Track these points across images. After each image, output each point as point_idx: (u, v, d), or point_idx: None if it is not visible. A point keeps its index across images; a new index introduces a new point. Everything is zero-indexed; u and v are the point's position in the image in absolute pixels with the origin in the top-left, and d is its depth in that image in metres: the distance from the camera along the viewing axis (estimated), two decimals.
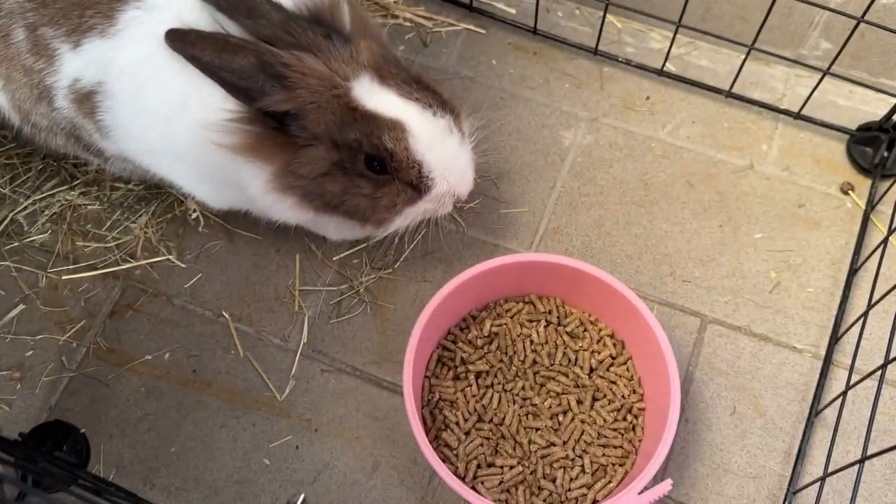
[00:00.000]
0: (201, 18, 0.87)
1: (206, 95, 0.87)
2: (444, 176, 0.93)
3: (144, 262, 1.13)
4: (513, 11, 1.31)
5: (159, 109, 0.91)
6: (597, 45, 1.24)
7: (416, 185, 0.93)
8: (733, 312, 1.10)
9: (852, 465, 0.84)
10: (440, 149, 0.91)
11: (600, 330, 1.06)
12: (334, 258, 1.14)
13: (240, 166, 0.91)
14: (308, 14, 0.90)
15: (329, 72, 0.86)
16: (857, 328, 1.03)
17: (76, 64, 0.92)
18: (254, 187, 0.93)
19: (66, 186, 1.18)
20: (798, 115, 1.19)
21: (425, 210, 0.97)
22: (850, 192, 1.16)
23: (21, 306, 1.12)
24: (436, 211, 0.98)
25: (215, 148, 0.89)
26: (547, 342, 1.05)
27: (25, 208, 1.17)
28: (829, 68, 1.10)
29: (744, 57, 1.15)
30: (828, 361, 1.05)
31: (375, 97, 0.87)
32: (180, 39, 0.84)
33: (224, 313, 1.10)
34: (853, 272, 1.10)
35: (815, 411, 1.02)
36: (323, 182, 0.92)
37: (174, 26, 0.85)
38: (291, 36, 0.86)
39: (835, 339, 1.06)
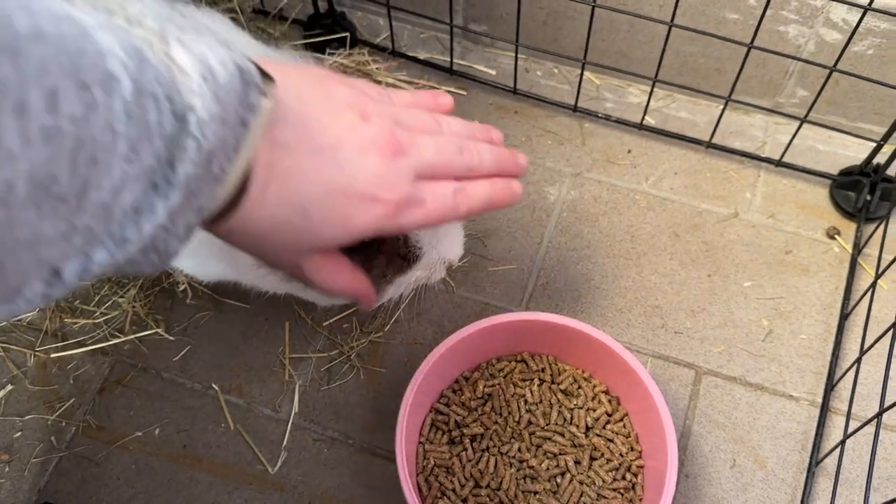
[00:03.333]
0: None
1: None
2: (431, 243, 0.93)
3: (133, 336, 1.13)
4: (493, 73, 1.34)
5: None
6: (576, 102, 1.26)
7: (405, 255, 0.93)
8: (727, 363, 1.09)
9: None
10: None
11: (594, 387, 1.05)
12: (324, 324, 1.13)
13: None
14: None
15: None
16: (852, 373, 1.02)
17: None
18: (246, 260, 0.93)
19: None
20: (779, 163, 1.20)
21: (417, 278, 0.97)
22: (836, 236, 1.17)
23: (9, 387, 1.10)
24: (428, 278, 0.98)
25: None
26: (541, 401, 1.04)
27: None
28: (805, 117, 1.11)
29: (722, 108, 1.17)
30: (825, 409, 1.04)
31: None
32: None
33: (214, 385, 1.09)
34: (844, 317, 1.10)
35: (815, 461, 1.00)
36: None
37: None
38: None
39: (830, 385, 1.05)
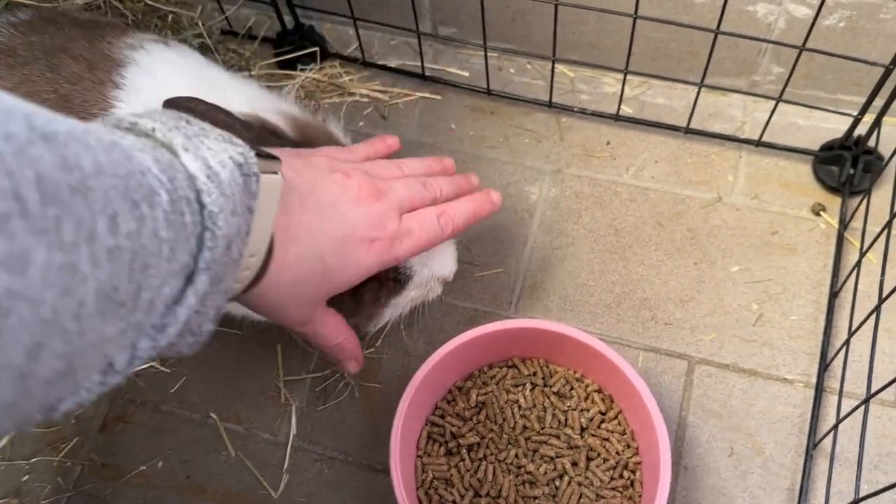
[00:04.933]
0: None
1: None
2: (421, 262, 0.94)
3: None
4: (466, 74, 1.33)
5: None
6: (550, 97, 1.25)
7: (395, 277, 0.93)
8: (719, 350, 1.09)
9: None
10: None
11: (587, 386, 1.05)
12: None
13: None
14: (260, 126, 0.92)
15: None
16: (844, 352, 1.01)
17: None
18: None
19: None
20: (760, 143, 1.19)
21: (413, 298, 0.98)
22: (821, 212, 1.16)
23: (13, 431, 1.12)
24: (425, 296, 0.99)
25: None
26: (535, 405, 1.04)
27: None
28: (780, 95, 1.10)
29: (696, 93, 1.16)
30: (819, 390, 1.03)
31: None
32: None
33: (212, 414, 1.10)
34: (834, 295, 1.09)
35: (812, 444, 1.00)
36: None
37: None
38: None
39: (824, 366, 1.05)
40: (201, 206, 0.51)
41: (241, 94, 0.96)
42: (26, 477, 1.09)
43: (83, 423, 1.12)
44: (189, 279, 0.51)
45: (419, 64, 1.31)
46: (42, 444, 1.11)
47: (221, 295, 0.57)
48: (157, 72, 0.94)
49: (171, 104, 0.86)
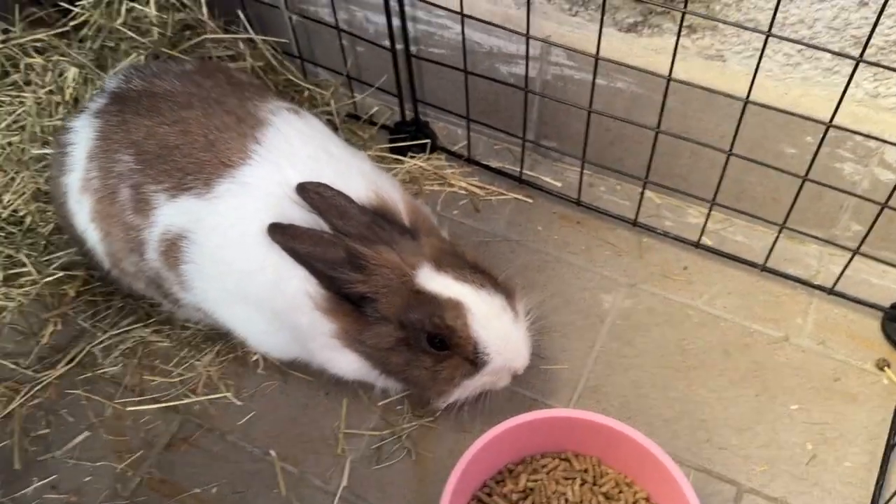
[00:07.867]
0: (282, 195, 1.01)
1: (283, 264, 1.01)
2: (499, 352, 1.03)
3: (204, 397, 1.21)
4: (559, 184, 1.43)
5: (240, 266, 1.03)
6: (636, 217, 1.33)
7: (473, 359, 1.02)
8: (770, 483, 1.10)
9: None
10: (495, 326, 1.02)
11: (636, 493, 1.07)
12: (379, 403, 1.19)
13: (314, 323, 1.03)
14: (376, 210, 1.04)
15: (400, 261, 1.00)
16: None
17: (170, 212, 1.05)
18: (321, 343, 1.05)
19: (141, 324, 1.28)
20: (832, 291, 1.24)
21: (483, 383, 1.06)
22: (886, 368, 1.19)
23: (86, 433, 1.19)
24: (494, 384, 1.07)
25: (289, 305, 1.02)
26: (582, 501, 1.06)
27: (102, 342, 1.27)
28: (857, 249, 1.16)
29: (776, 235, 1.23)
30: None
31: (435, 282, 1.00)
32: (281, 233, 1.00)
33: (271, 452, 1.15)
34: (890, 448, 1.10)
35: None
36: (388, 354, 1.04)
37: (262, 202, 1.00)
38: (373, 232, 1.01)
39: None
40: None
41: (353, 168, 1.08)
42: (88, 478, 1.15)
43: (151, 438, 1.18)
44: None
45: (517, 168, 1.42)
46: (109, 450, 1.18)
47: None
48: (290, 137, 1.07)
49: (303, 188, 0.99)
